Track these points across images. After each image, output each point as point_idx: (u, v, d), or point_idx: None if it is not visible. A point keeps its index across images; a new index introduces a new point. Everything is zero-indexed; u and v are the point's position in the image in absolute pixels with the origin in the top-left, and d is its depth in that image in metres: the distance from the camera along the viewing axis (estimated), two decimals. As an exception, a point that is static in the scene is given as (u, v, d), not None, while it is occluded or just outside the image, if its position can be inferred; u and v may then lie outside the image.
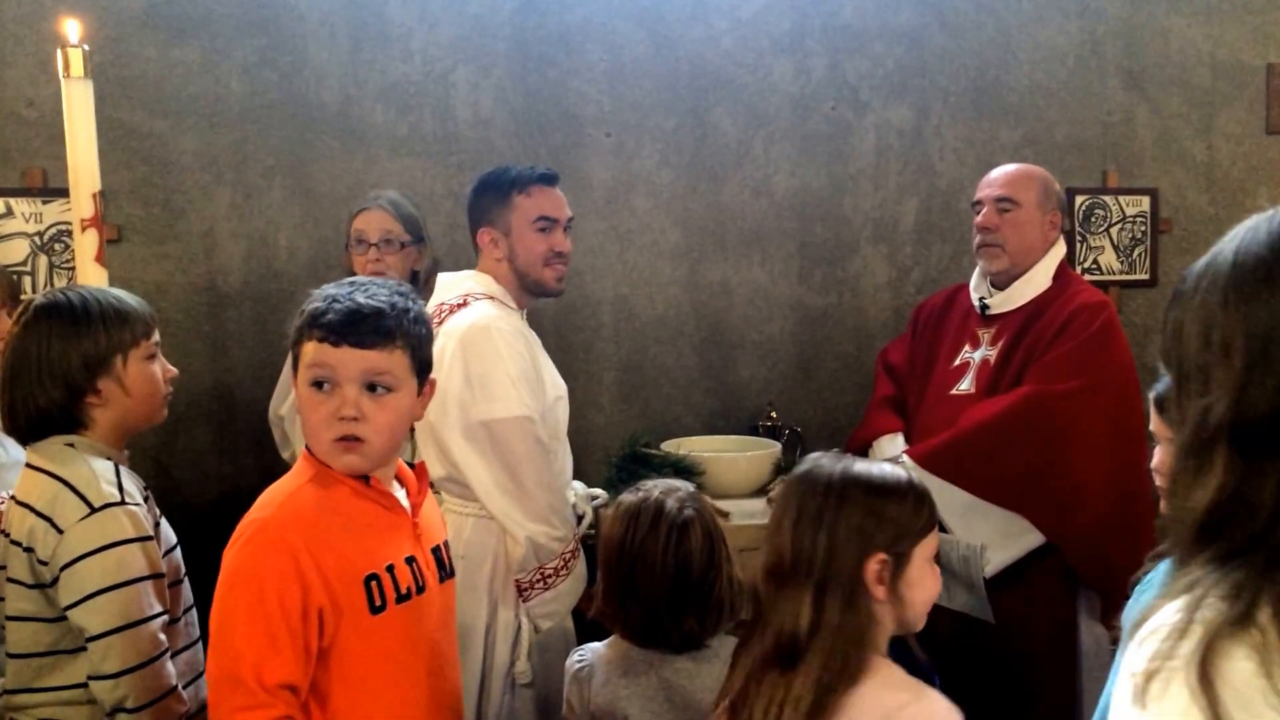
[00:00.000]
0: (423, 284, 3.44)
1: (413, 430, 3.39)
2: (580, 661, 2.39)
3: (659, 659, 2.29)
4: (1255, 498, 1.02)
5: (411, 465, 2.13)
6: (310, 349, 1.91)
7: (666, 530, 2.26)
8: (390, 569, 1.94)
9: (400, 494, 2.06)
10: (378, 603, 1.91)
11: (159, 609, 2.14)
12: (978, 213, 3.39)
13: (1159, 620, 1.02)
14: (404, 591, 1.95)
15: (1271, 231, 1.06)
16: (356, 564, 1.90)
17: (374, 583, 1.91)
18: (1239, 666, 0.96)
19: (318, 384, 1.91)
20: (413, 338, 1.96)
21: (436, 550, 2.11)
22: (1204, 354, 1.07)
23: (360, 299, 1.91)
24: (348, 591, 1.87)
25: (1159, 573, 1.49)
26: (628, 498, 2.38)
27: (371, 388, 1.91)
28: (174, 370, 2.37)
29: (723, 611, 2.29)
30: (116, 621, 2.07)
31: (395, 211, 3.41)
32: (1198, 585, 1.02)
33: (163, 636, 2.13)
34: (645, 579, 2.25)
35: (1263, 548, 1.01)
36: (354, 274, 3.30)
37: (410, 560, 2.00)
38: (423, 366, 2.00)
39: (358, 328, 1.88)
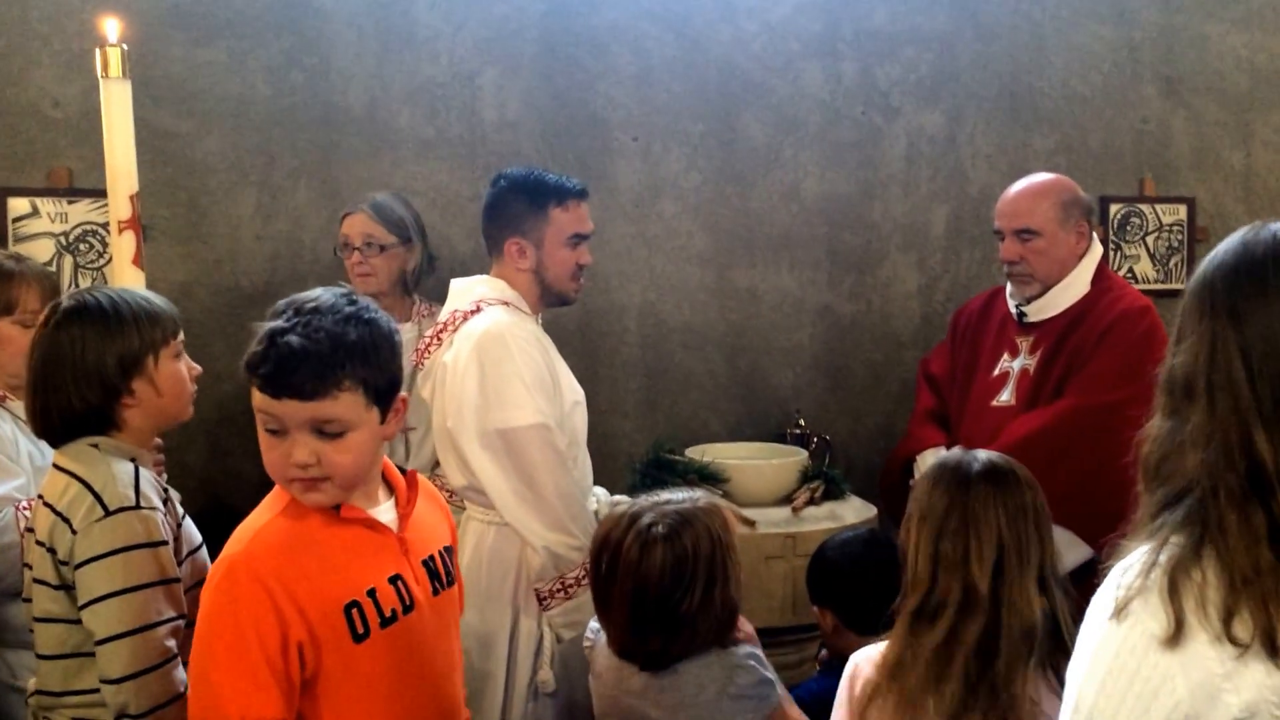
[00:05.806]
0: (413, 284, 3.53)
1: (406, 434, 3.40)
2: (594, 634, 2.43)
3: (627, 671, 2.29)
4: (1181, 440, 1.27)
5: (403, 471, 2.06)
6: (255, 394, 1.81)
7: (629, 545, 2.24)
8: (372, 593, 1.88)
9: (385, 507, 2.00)
10: (360, 630, 1.85)
11: (169, 614, 2.12)
12: (999, 240, 3.33)
13: (1131, 559, 1.27)
14: (389, 614, 1.90)
15: (1226, 246, 1.38)
16: (333, 594, 1.84)
17: (355, 610, 1.85)
18: (1189, 603, 1.20)
19: (269, 429, 1.83)
20: (362, 372, 1.82)
21: (429, 561, 2.03)
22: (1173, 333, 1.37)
23: (295, 341, 1.76)
24: (327, 623, 1.82)
25: None
26: (617, 509, 2.37)
27: (323, 432, 1.82)
28: (198, 368, 2.38)
29: (695, 633, 2.23)
30: (122, 626, 2.06)
31: (377, 215, 3.45)
32: (1161, 529, 1.26)
33: (171, 643, 2.11)
34: (617, 592, 2.25)
35: (1195, 487, 1.25)
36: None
37: (395, 579, 1.93)
38: (384, 392, 1.87)
39: (293, 378, 1.77)
